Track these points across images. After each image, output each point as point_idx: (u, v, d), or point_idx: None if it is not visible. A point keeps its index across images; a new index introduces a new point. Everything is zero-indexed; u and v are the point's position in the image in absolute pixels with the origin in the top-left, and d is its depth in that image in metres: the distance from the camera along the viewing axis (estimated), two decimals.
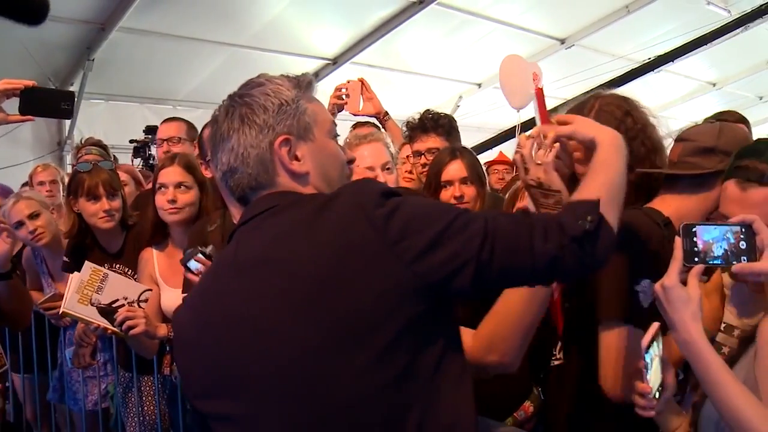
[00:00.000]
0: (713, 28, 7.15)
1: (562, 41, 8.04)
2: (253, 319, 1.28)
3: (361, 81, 3.26)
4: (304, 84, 1.44)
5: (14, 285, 2.70)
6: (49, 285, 3.41)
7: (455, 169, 2.69)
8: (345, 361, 1.22)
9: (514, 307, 1.62)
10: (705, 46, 7.34)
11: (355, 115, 3.24)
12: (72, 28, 6.02)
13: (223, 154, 1.41)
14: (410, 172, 3.36)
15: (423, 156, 3.19)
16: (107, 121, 6.97)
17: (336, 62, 7.53)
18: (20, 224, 3.26)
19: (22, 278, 3.42)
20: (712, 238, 1.41)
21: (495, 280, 1.26)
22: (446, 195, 2.66)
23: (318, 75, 7.60)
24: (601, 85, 7.27)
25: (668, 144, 1.97)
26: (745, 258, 1.39)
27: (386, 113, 3.32)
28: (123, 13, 5.78)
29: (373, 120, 3.59)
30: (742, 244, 1.40)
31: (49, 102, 2.23)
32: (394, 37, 7.23)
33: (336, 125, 1.51)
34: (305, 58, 7.41)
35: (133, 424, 2.86)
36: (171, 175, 2.71)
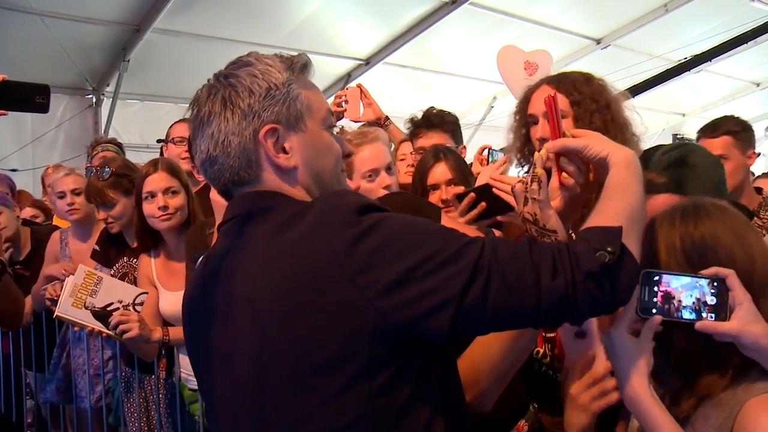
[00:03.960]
0: (756, 26, 6.95)
1: (598, 41, 7.92)
2: (212, 338, 1.23)
3: (360, 87, 3.23)
4: (298, 66, 1.27)
5: (5, 285, 2.75)
6: None
7: (440, 172, 2.60)
8: (296, 397, 1.11)
9: (492, 352, 1.45)
10: (746, 44, 7.12)
11: (355, 121, 3.19)
12: (108, 29, 6.12)
13: (202, 141, 1.26)
14: (412, 166, 3.28)
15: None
16: (142, 121, 7.07)
17: (369, 62, 7.53)
18: (62, 195, 3.40)
19: (38, 266, 3.50)
20: (680, 288, 1.25)
21: (488, 321, 1.08)
22: (434, 198, 2.56)
23: (351, 75, 7.62)
24: (637, 85, 7.15)
25: None
26: (712, 315, 1.23)
27: (387, 118, 3.27)
28: (157, 14, 5.85)
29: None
30: (711, 300, 1.24)
31: (22, 95, 2.19)
32: (427, 38, 7.20)
33: (333, 114, 1.36)
34: (338, 58, 7.42)
35: (134, 421, 2.88)
36: (157, 181, 2.69)
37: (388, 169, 2.48)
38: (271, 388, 1.13)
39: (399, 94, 7.57)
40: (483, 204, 1.97)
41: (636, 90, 6.96)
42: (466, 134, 9.08)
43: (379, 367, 1.08)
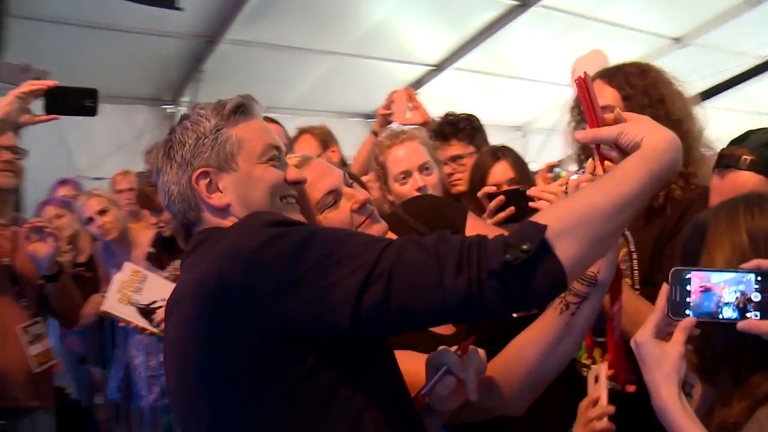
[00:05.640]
0: None
1: (677, 40, 7.62)
2: (167, 365, 1.34)
3: (407, 90, 3.20)
4: (228, 110, 1.39)
5: (61, 286, 2.86)
6: None
7: (500, 171, 2.53)
8: (216, 404, 1.18)
9: (527, 355, 1.45)
10: None
11: (403, 125, 3.14)
12: (182, 42, 6.29)
13: (159, 192, 1.45)
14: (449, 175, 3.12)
15: (446, 165, 3.01)
16: None
17: (439, 68, 7.45)
18: (90, 220, 3.53)
19: (95, 274, 3.65)
20: (722, 283, 1.14)
21: (394, 320, 1.12)
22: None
23: (421, 81, 7.56)
24: (720, 84, 6.86)
25: None
26: (758, 314, 1.12)
27: (434, 121, 3.21)
28: (229, 25, 5.96)
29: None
30: (756, 296, 1.13)
31: (73, 100, 2.29)
32: (498, 41, 7.07)
33: (278, 147, 1.42)
34: (408, 64, 7.39)
35: None
36: None
37: (425, 169, 2.41)
38: (193, 398, 1.22)
39: (470, 100, 7.48)
40: (512, 208, 1.96)
41: (717, 90, 6.69)
42: (538, 139, 8.96)
43: (292, 364, 1.14)
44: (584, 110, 1.36)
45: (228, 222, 1.35)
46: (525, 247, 1.06)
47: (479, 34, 6.97)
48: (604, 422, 1.61)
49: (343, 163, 3.44)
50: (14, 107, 2.27)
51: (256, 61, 6.67)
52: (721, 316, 1.15)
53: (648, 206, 1.97)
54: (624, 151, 1.27)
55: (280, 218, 1.25)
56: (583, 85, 1.34)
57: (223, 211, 1.36)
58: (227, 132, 1.37)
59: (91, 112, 2.36)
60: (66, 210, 3.73)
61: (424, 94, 7.52)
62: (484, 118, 7.22)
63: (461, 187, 2.89)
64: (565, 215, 1.12)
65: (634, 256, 2.00)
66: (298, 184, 1.45)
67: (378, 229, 1.63)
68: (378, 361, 1.28)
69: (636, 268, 1.99)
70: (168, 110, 7.02)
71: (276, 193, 1.39)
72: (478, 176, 2.62)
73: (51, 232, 2.80)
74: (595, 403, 1.64)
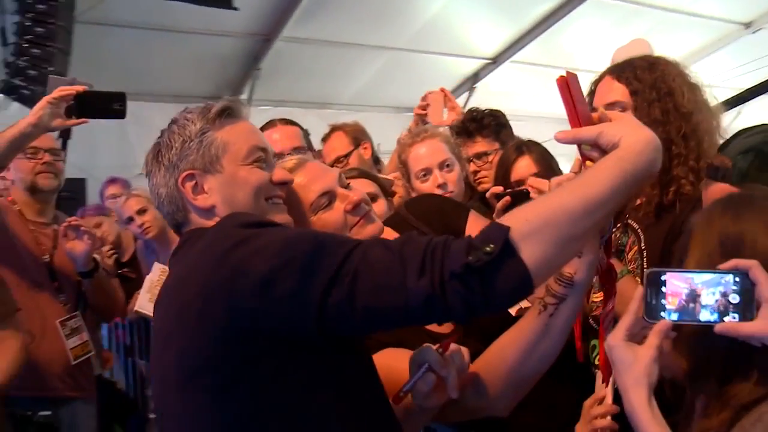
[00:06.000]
0: None
1: (747, 25, 7.28)
2: (152, 356, 1.37)
3: (443, 90, 3.15)
4: (213, 113, 1.40)
5: (98, 282, 3.00)
6: None
7: (524, 166, 2.48)
8: (185, 397, 1.20)
9: (507, 356, 1.43)
10: None
11: (439, 125, 3.10)
12: (239, 41, 6.44)
13: (150, 194, 1.49)
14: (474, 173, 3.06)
15: (472, 162, 2.96)
16: None
17: (496, 61, 7.37)
18: (130, 219, 3.62)
19: (140, 274, 3.76)
20: (701, 285, 1.10)
21: (360, 321, 1.11)
22: None
23: (478, 75, 7.50)
24: None
25: None
26: (736, 316, 1.08)
27: None
28: (284, 23, 6.07)
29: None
30: (734, 298, 1.09)
31: (102, 104, 2.37)
32: (557, 33, 6.92)
33: (264, 149, 1.44)
34: (464, 58, 7.34)
35: None
36: None
37: (445, 166, 2.41)
38: (170, 391, 1.25)
39: (528, 93, 7.37)
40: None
41: None
42: None
43: (261, 363, 1.15)
44: (565, 110, 1.32)
45: (212, 223, 1.36)
46: (488, 249, 1.05)
47: (537, 25, 6.86)
48: (607, 420, 1.59)
49: (375, 160, 3.44)
50: (46, 112, 2.38)
51: (312, 58, 6.75)
52: (698, 319, 1.12)
53: (658, 203, 1.92)
54: (604, 152, 1.24)
55: (255, 220, 1.26)
56: (564, 84, 1.30)
57: (209, 212, 1.38)
58: (212, 135, 1.39)
59: (120, 114, 2.45)
60: (103, 216, 3.89)
61: (481, 88, 7.51)
62: (543, 111, 7.13)
63: (487, 185, 2.85)
64: (532, 216, 1.11)
65: (645, 253, 1.95)
66: (285, 184, 1.47)
67: (372, 229, 1.62)
68: (350, 362, 1.29)
69: (646, 266, 1.94)
70: None
71: (261, 193, 1.41)
72: (502, 172, 2.59)
73: (86, 230, 2.91)
74: (601, 401, 1.63)
